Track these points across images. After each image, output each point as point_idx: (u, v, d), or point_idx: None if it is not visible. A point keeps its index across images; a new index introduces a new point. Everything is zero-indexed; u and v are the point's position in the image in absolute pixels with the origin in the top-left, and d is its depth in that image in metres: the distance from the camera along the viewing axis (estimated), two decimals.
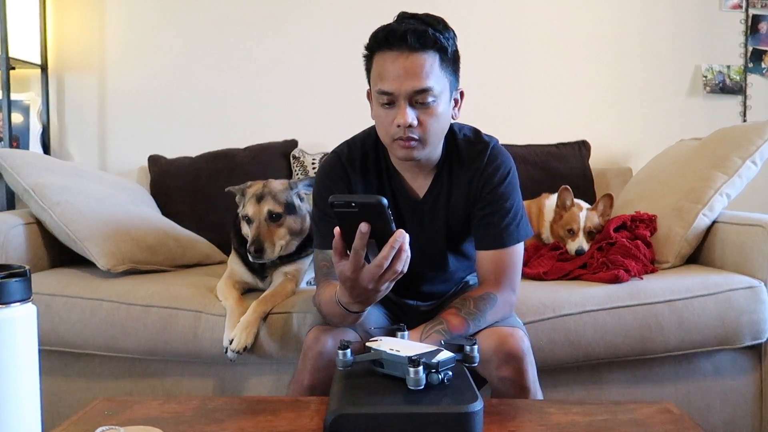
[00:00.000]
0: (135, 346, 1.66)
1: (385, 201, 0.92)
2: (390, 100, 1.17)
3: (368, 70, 1.24)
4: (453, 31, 1.21)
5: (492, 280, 1.27)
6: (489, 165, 1.30)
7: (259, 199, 1.68)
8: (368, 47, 1.21)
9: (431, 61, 1.16)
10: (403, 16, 1.19)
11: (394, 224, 0.95)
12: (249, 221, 1.69)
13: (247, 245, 1.65)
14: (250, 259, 1.65)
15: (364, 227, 0.94)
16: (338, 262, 1.02)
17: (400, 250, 0.97)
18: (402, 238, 0.96)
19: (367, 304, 1.10)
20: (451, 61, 1.20)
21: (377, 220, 0.94)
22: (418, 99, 1.16)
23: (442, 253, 1.39)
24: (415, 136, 1.19)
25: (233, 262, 1.80)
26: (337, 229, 0.99)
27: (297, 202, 1.74)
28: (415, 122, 1.17)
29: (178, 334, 1.64)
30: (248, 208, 1.68)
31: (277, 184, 1.74)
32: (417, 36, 1.13)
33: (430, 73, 1.15)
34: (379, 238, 0.96)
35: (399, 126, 1.17)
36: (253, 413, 0.99)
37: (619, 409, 1.01)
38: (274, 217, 1.68)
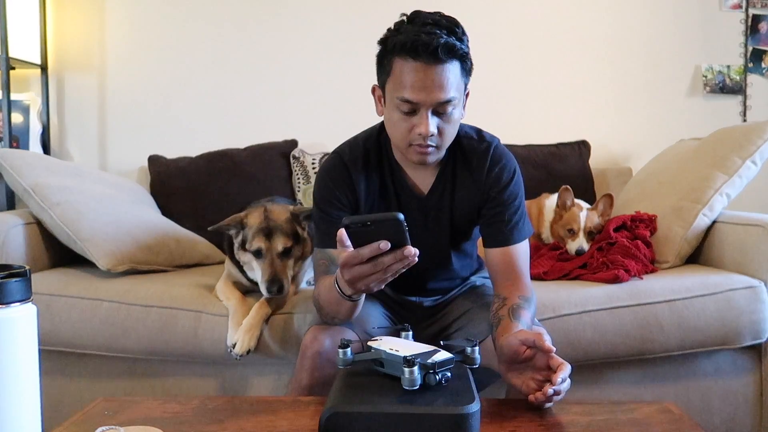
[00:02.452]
0: (135, 346, 1.66)
1: (401, 216, 0.92)
2: (411, 109, 1.17)
3: (384, 71, 1.21)
4: (467, 34, 1.20)
5: (515, 282, 1.26)
6: (494, 165, 1.31)
7: (268, 233, 1.64)
8: (388, 48, 1.18)
9: (454, 71, 1.16)
10: (425, 21, 1.16)
11: (409, 240, 0.95)
12: (258, 255, 1.64)
13: (264, 281, 1.60)
14: (267, 294, 1.61)
15: (384, 245, 0.94)
16: (341, 252, 1.01)
17: (400, 260, 0.97)
18: (412, 258, 0.95)
19: (361, 288, 1.06)
20: (469, 68, 1.21)
21: (393, 236, 0.94)
22: (440, 109, 1.17)
23: (445, 250, 1.40)
24: (433, 144, 1.20)
25: (230, 267, 1.80)
26: (341, 237, 0.98)
27: (299, 231, 1.71)
28: (436, 131, 1.18)
29: (178, 334, 1.64)
30: (257, 243, 1.63)
31: (280, 214, 1.69)
32: (447, 50, 1.13)
33: (453, 84, 1.16)
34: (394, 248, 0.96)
35: (420, 134, 1.17)
36: (253, 413, 0.99)
37: (619, 409, 1.01)
38: (285, 252, 1.65)
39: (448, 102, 1.16)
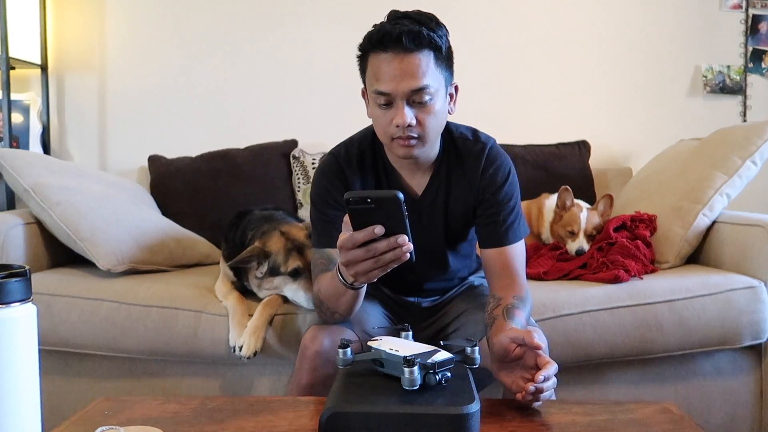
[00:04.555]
0: (135, 346, 1.66)
1: (401, 195, 0.91)
2: (387, 101, 1.18)
3: (363, 70, 1.24)
4: (445, 27, 1.21)
5: (510, 282, 1.27)
6: (489, 166, 1.31)
7: (300, 251, 1.64)
8: (362, 48, 1.21)
9: (426, 60, 1.16)
10: (396, 15, 1.19)
11: (407, 221, 0.94)
12: (296, 274, 1.63)
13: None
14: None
15: (378, 229, 0.94)
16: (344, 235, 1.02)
17: (393, 249, 0.97)
18: (405, 248, 0.96)
19: (356, 274, 1.05)
20: (445, 58, 1.21)
21: (392, 216, 0.94)
22: (415, 98, 1.17)
23: (441, 252, 1.40)
24: (414, 135, 1.19)
25: (225, 268, 1.80)
26: (346, 222, 0.98)
27: None
28: (414, 121, 1.18)
29: (178, 334, 1.64)
30: (293, 263, 1.62)
31: (299, 233, 1.69)
32: (412, 37, 1.14)
33: (426, 72, 1.16)
34: (390, 234, 0.96)
35: (398, 126, 1.18)
36: (253, 413, 0.99)
37: (619, 409, 1.01)
38: None
39: (421, 90, 1.16)
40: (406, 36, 1.13)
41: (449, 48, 1.22)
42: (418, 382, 0.88)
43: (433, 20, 1.20)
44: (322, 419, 0.85)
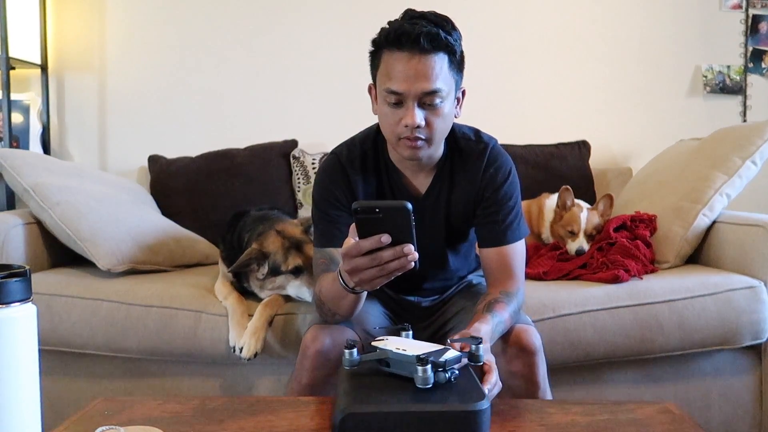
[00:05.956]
0: (135, 346, 1.66)
1: (409, 206, 0.92)
2: (398, 100, 1.18)
3: (374, 66, 1.24)
4: (459, 32, 1.22)
5: (503, 279, 1.28)
6: (490, 166, 1.31)
7: (298, 247, 1.65)
8: (376, 44, 1.21)
9: (441, 63, 1.16)
10: (413, 15, 1.19)
11: (414, 232, 0.94)
12: (298, 272, 1.63)
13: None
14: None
15: (385, 238, 0.94)
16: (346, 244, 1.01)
17: (399, 258, 0.96)
18: (411, 257, 0.95)
19: (359, 281, 1.04)
20: (458, 63, 1.22)
21: (399, 226, 0.94)
22: (426, 100, 1.17)
23: (441, 251, 1.40)
24: (422, 136, 1.20)
25: (224, 268, 1.80)
26: (352, 229, 0.98)
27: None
28: (423, 123, 1.18)
29: (178, 334, 1.64)
30: (294, 261, 1.63)
31: (295, 230, 1.70)
32: (430, 39, 1.14)
33: (439, 75, 1.16)
34: (396, 243, 0.96)
35: (407, 126, 1.18)
36: (253, 413, 0.99)
37: (619, 409, 1.01)
38: None
39: (433, 93, 1.16)
40: (425, 37, 1.13)
41: (462, 53, 1.22)
42: (432, 380, 0.88)
43: (450, 23, 1.19)
44: (335, 421, 0.85)
